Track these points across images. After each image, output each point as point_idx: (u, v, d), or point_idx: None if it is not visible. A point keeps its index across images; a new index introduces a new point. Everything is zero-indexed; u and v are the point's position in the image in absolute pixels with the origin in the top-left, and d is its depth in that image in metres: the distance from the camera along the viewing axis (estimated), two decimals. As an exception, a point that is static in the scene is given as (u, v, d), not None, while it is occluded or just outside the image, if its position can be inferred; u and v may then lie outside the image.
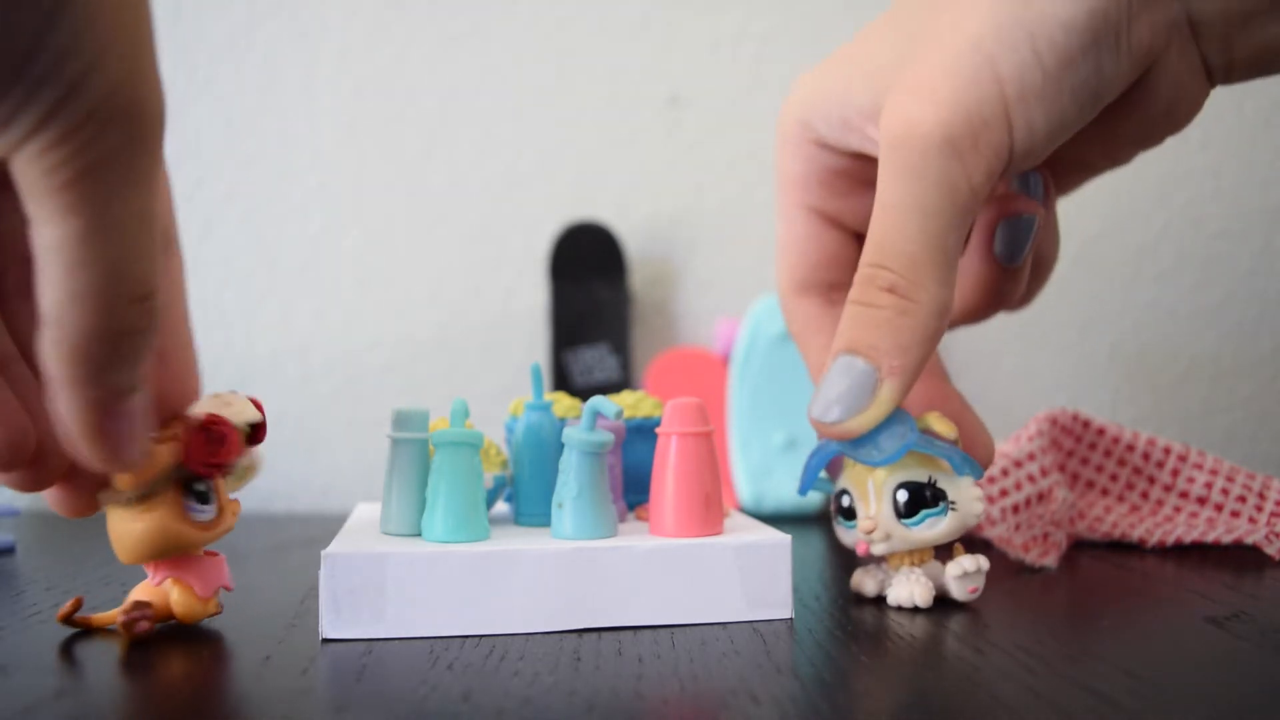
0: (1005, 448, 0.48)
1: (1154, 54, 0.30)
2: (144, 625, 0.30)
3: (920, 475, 0.33)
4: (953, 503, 0.33)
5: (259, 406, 0.31)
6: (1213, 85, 0.32)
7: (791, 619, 0.32)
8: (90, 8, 0.20)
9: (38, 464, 0.27)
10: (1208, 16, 0.30)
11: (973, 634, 0.30)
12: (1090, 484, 0.50)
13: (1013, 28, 0.29)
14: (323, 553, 0.30)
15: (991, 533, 0.44)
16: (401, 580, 0.30)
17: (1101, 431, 0.50)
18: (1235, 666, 0.27)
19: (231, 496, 0.32)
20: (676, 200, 0.69)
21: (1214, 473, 0.48)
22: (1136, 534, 0.46)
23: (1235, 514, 0.47)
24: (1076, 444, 0.50)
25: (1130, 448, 0.50)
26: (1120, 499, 0.50)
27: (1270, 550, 0.43)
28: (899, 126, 0.30)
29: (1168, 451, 0.49)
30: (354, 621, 0.30)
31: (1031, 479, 0.46)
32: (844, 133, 0.34)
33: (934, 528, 0.33)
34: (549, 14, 0.69)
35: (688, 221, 0.69)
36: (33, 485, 0.28)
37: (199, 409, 0.30)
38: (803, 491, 0.34)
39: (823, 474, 0.36)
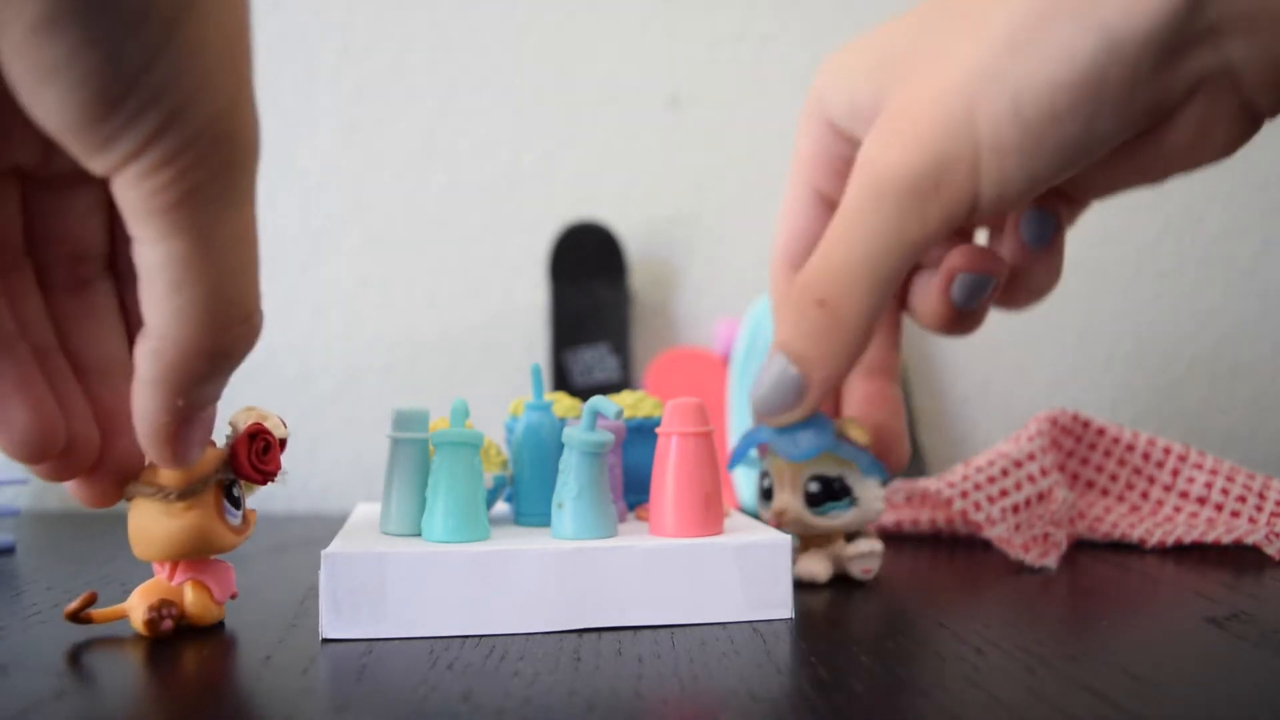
0: (1005, 448, 0.48)
1: (1169, 108, 0.29)
2: (168, 624, 0.30)
3: (831, 471, 0.37)
4: (856, 499, 0.37)
5: (283, 425, 0.32)
6: (1259, 125, 0.29)
7: (792, 619, 0.32)
8: (196, 41, 0.21)
9: (66, 456, 0.27)
10: (1253, 66, 0.28)
11: (973, 634, 0.30)
12: (1090, 484, 0.50)
13: (1000, 77, 0.28)
14: (323, 553, 0.30)
15: (991, 533, 0.44)
16: (401, 580, 0.30)
17: (1101, 431, 0.50)
18: (1235, 666, 0.27)
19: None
20: (676, 200, 0.69)
21: (1214, 473, 0.48)
22: (1136, 534, 0.46)
23: (1235, 514, 0.47)
24: (1076, 444, 0.50)
25: (1130, 448, 0.50)
26: (1120, 499, 0.50)
27: (1270, 550, 0.43)
28: (871, 153, 0.31)
29: (1168, 451, 0.49)
30: (354, 621, 0.30)
31: (1031, 479, 0.46)
32: (850, 120, 0.34)
33: (836, 519, 0.37)
34: (549, 14, 0.69)
35: (688, 221, 0.69)
36: (60, 476, 0.28)
37: (240, 419, 0.31)
38: (731, 466, 0.39)
39: (754, 453, 0.39)
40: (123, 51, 0.20)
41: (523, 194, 0.69)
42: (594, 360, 0.65)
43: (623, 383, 0.65)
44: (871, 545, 0.38)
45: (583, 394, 0.62)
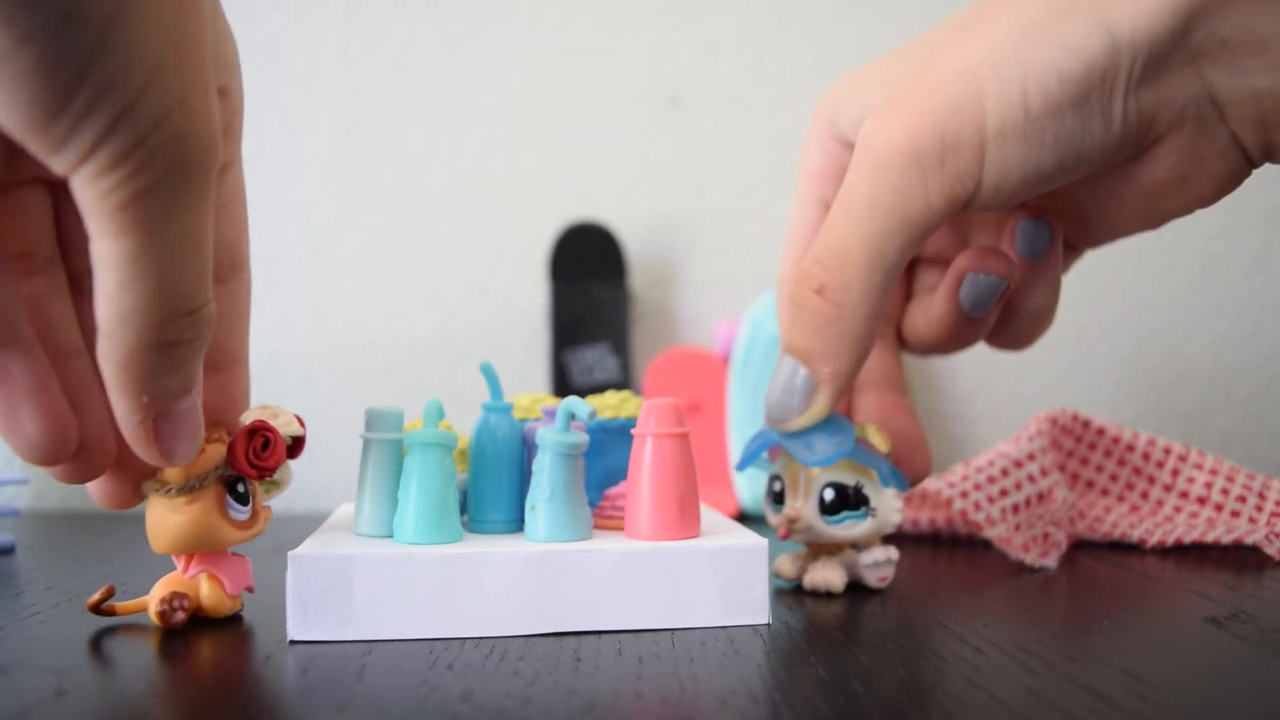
0: (1005, 448, 0.48)
1: (1157, 131, 0.29)
2: (180, 616, 0.30)
3: (848, 479, 0.35)
4: (873, 509, 0.35)
5: (300, 422, 0.33)
6: (1254, 164, 0.30)
7: (769, 624, 0.32)
8: (136, 40, 0.21)
9: (81, 459, 0.28)
10: (1236, 97, 0.28)
11: (973, 634, 0.30)
12: (1090, 484, 0.50)
13: (1010, 64, 0.29)
14: (289, 554, 0.30)
15: (991, 533, 0.44)
16: (369, 582, 0.30)
17: (1101, 431, 0.50)
18: (1235, 666, 0.27)
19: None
20: (676, 200, 0.69)
21: (1214, 473, 0.48)
22: (1136, 534, 0.46)
23: (1235, 514, 0.47)
24: (1076, 444, 0.50)
25: (1130, 448, 0.50)
26: (1120, 499, 0.50)
27: (1270, 550, 0.43)
28: (874, 128, 0.30)
29: (1168, 451, 0.49)
30: (321, 624, 0.29)
31: (1031, 479, 0.46)
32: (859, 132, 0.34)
33: (851, 529, 0.35)
34: (549, 14, 0.69)
35: (688, 222, 0.69)
36: (77, 478, 0.28)
37: (248, 416, 0.32)
38: (740, 468, 0.36)
39: (765, 455, 0.38)
40: (58, 50, 0.20)
41: (523, 194, 0.69)
42: (594, 360, 0.65)
43: (623, 382, 0.65)
44: (888, 553, 0.36)
45: (582, 394, 0.62)
